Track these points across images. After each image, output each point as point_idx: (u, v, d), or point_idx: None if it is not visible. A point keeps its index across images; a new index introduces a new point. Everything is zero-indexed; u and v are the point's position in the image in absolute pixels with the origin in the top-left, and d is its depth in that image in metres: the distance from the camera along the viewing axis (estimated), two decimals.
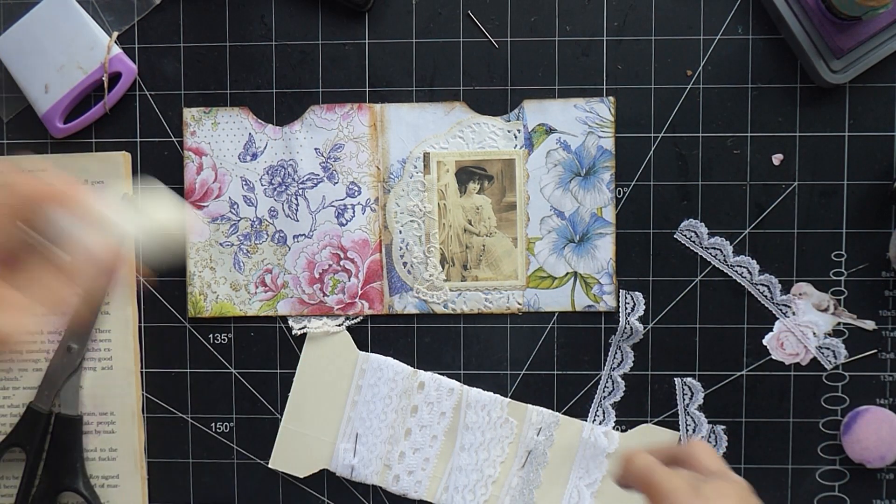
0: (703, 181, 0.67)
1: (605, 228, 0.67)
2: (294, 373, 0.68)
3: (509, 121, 0.67)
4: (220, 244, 0.68)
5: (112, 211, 0.46)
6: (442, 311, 0.68)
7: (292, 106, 0.68)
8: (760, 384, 0.67)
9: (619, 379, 0.67)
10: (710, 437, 0.67)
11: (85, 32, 0.67)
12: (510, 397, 0.68)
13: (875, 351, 0.67)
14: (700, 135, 0.66)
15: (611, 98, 0.67)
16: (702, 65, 0.66)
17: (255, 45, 0.68)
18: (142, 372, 0.69)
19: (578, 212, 0.67)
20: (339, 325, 0.68)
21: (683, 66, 0.66)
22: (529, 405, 0.68)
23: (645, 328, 0.67)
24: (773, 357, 0.67)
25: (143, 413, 0.69)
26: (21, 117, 0.69)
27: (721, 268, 0.67)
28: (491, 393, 0.68)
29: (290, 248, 0.68)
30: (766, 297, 0.67)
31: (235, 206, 0.68)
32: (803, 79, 0.66)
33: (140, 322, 0.69)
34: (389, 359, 0.68)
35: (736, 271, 0.67)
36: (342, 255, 0.68)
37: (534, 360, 0.68)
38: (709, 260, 0.67)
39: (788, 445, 0.67)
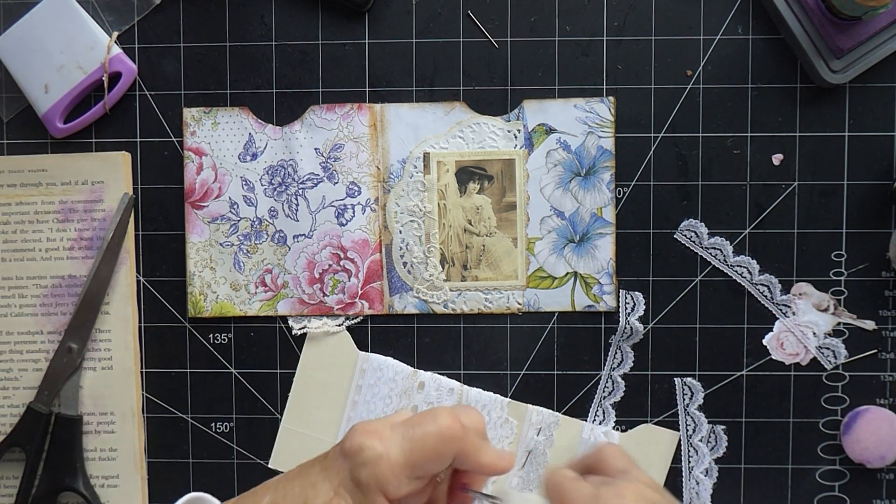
0: (703, 181, 0.67)
1: (605, 228, 0.67)
2: (294, 373, 0.68)
3: (509, 121, 0.67)
4: (220, 244, 0.68)
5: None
6: (442, 311, 0.68)
7: (292, 106, 0.68)
8: (760, 384, 0.67)
9: (619, 379, 0.67)
10: (710, 436, 0.67)
11: (85, 32, 0.67)
12: (510, 397, 0.68)
13: (875, 351, 0.67)
14: (700, 135, 0.66)
15: (611, 98, 0.67)
16: (702, 65, 0.66)
17: (255, 45, 0.68)
18: (142, 372, 0.69)
19: (578, 212, 0.67)
20: (339, 325, 0.68)
21: (683, 66, 0.66)
22: (529, 405, 0.68)
23: (645, 328, 0.67)
24: (773, 357, 0.67)
25: (143, 413, 0.69)
26: (21, 117, 0.69)
27: (721, 268, 0.67)
28: (491, 393, 0.68)
29: (290, 248, 0.68)
30: (766, 297, 0.67)
31: (235, 206, 0.68)
32: (803, 79, 0.66)
33: (140, 322, 0.69)
34: (389, 359, 0.68)
35: (736, 271, 0.67)
36: (342, 255, 0.68)
37: (534, 360, 0.68)
38: (709, 260, 0.67)
39: (788, 445, 0.67)
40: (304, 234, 0.68)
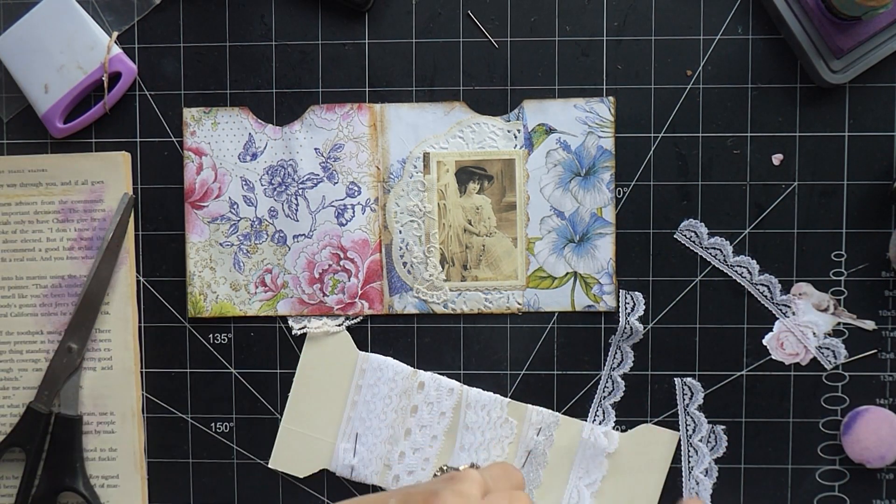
0: (703, 181, 0.67)
1: (605, 228, 0.67)
2: (294, 373, 0.68)
3: (509, 121, 0.67)
4: (220, 244, 0.68)
5: None
6: (442, 311, 0.68)
7: (292, 106, 0.68)
8: (760, 384, 0.67)
9: (619, 379, 0.67)
10: (710, 436, 0.67)
11: (85, 32, 0.67)
12: (510, 397, 0.68)
13: (875, 351, 0.67)
14: (700, 135, 0.67)
15: (611, 98, 0.67)
16: (702, 65, 0.66)
17: (255, 45, 0.68)
18: (142, 372, 0.69)
19: (578, 212, 0.67)
20: (339, 325, 0.68)
21: (683, 66, 0.66)
22: (529, 405, 0.68)
23: (645, 328, 0.67)
24: (773, 357, 0.67)
25: (142, 413, 0.69)
26: (21, 117, 0.69)
27: (721, 268, 0.67)
28: (491, 393, 0.68)
29: (290, 248, 0.68)
30: (766, 297, 0.67)
31: (235, 206, 0.68)
32: (803, 79, 0.66)
33: (140, 322, 0.69)
34: (389, 359, 0.68)
35: (736, 271, 0.67)
36: (342, 255, 0.68)
37: (534, 360, 0.68)
38: (709, 260, 0.67)
39: (788, 445, 0.67)
40: (304, 234, 0.68)
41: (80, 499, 0.68)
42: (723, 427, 0.67)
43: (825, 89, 0.66)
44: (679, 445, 0.67)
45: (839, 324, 0.66)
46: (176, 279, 0.69)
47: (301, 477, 0.68)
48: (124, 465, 0.69)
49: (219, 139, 0.68)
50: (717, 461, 0.67)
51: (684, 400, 0.67)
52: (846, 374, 0.67)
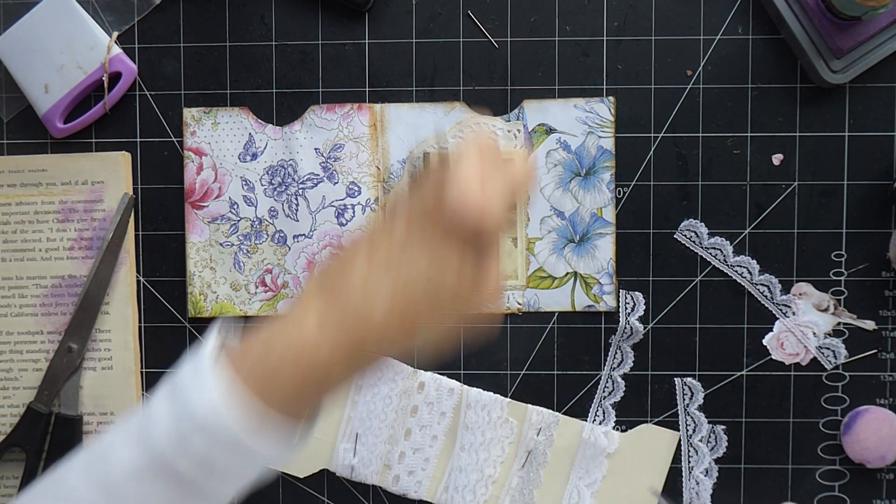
0: (703, 181, 0.67)
1: (605, 228, 0.67)
2: None
3: (509, 121, 0.67)
4: (220, 244, 0.68)
5: None
6: None
7: (292, 106, 0.68)
8: (760, 384, 0.67)
9: (619, 379, 0.67)
10: (710, 436, 0.67)
11: (85, 32, 0.67)
12: (510, 397, 0.68)
13: (875, 351, 0.67)
14: (700, 135, 0.66)
15: (611, 98, 0.67)
16: (702, 65, 0.66)
17: (255, 45, 0.68)
18: (142, 372, 0.69)
19: (578, 212, 0.67)
20: None
21: (683, 66, 0.66)
22: (529, 405, 0.68)
23: (645, 328, 0.67)
24: (773, 357, 0.67)
25: None
26: (21, 117, 0.69)
27: (721, 268, 0.67)
28: (491, 393, 0.68)
29: (290, 248, 0.68)
30: (766, 297, 0.67)
31: (235, 206, 0.68)
32: (803, 79, 0.66)
33: (140, 322, 0.69)
34: (389, 359, 0.68)
35: (736, 271, 0.67)
36: None
37: (534, 360, 0.68)
38: (709, 260, 0.67)
39: (788, 445, 0.67)
40: (304, 234, 0.68)
41: None
42: (723, 427, 0.67)
43: (825, 89, 0.66)
44: (679, 445, 0.67)
45: (839, 324, 0.66)
46: (176, 279, 0.69)
47: (301, 477, 0.68)
48: None
49: (219, 139, 0.68)
50: (717, 461, 0.67)
51: (684, 400, 0.67)
52: (846, 374, 0.67)
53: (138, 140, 0.69)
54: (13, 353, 0.69)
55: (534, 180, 0.46)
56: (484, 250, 0.42)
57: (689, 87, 0.66)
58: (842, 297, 0.67)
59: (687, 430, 0.67)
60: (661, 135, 0.67)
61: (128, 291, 0.68)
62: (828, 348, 0.67)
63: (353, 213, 0.68)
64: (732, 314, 0.67)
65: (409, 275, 0.41)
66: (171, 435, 0.39)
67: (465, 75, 0.67)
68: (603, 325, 0.67)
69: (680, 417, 0.67)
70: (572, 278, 0.67)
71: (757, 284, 0.67)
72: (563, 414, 0.68)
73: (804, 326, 0.66)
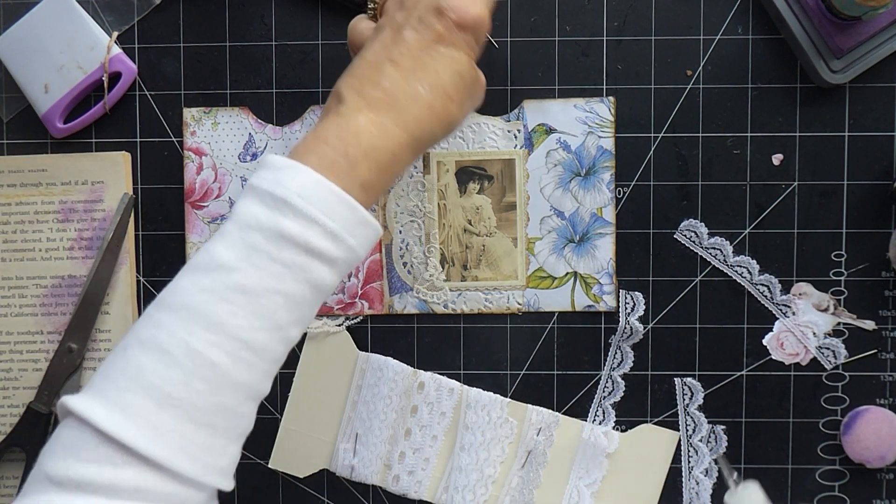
0: (703, 181, 0.67)
1: (605, 228, 0.67)
2: (294, 373, 0.68)
3: (509, 121, 0.67)
4: None
5: None
6: (442, 311, 0.68)
7: (292, 106, 0.68)
8: (760, 384, 0.67)
9: (619, 379, 0.67)
10: (710, 436, 0.67)
11: (85, 32, 0.67)
12: (510, 397, 0.68)
13: (875, 351, 0.67)
14: (700, 135, 0.67)
15: (611, 98, 0.67)
16: (702, 65, 0.66)
17: (255, 45, 0.68)
18: None
19: (578, 212, 0.67)
20: (339, 325, 0.68)
21: (683, 66, 0.66)
22: (529, 405, 0.68)
23: (645, 328, 0.67)
24: (773, 357, 0.67)
25: None
26: (21, 117, 0.69)
27: (721, 268, 0.67)
28: (491, 393, 0.68)
29: None
30: (766, 297, 0.67)
31: None
32: (803, 79, 0.66)
33: None
34: (389, 359, 0.68)
35: (736, 271, 0.67)
36: None
37: (534, 360, 0.68)
38: (709, 260, 0.67)
39: (788, 445, 0.67)
40: None
41: None
42: (723, 427, 0.67)
43: (825, 89, 0.66)
44: (679, 445, 0.67)
45: (839, 324, 0.66)
46: None
47: (301, 477, 0.68)
48: None
49: (219, 139, 0.68)
50: (717, 461, 0.67)
51: (684, 400, 0.67)
52: (846, 374, 0.67)
53: (138, 140, 0.69)
54: (13, 353, 0.69)
55: None
56: (480, 40, 0.53)
57: (689, 87, 0.66)
58: (842, 297, 0.67)
59: (687, 430, 0.67)
60: (661, 135, 0.67)
61: (128, 291, 0.68)
62: (828, 348, 0.67)
63: None
64: (732, 314, 0.67)
65: (436, 72, 0.50)
66: (271, 222, 0.44)
67: None
68: (603, 325, 0.67)
69: (680, 417, 0.67)
70: (572, 278, 0.67)
71: (757, 284, 0.67)
72: (563, 414, 0.68)
73: (804, 326, 0.66)
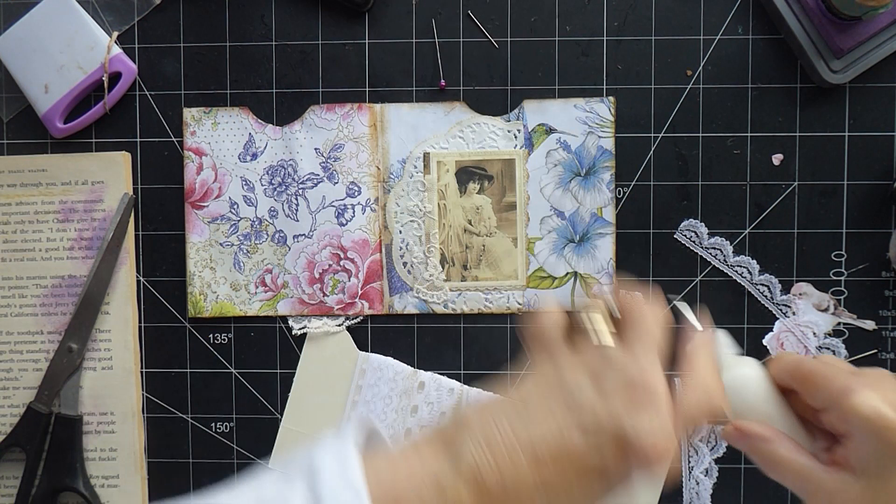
0: (703, 181, 0.67)
1: (605, 228, 0.67)
2: (294, 373, 0.68)
3: (509, 121, 0.67)
4: (220, 244, 0.68)
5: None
6: (442, 311, 0.68)
7: (292, 106, 0.68)
8: None
9: None
10: (710, 437, 0.67)
11: (85, 32, 0.67)
12: None
13: (875, 351, 0.66)
14: (700, 135, 0.66)
15: (611, 98, 0.67)
16: (702, 65, 0.66)
17: (255, 45, 0.68)
18: (142, 372, 0.69)
19: (578, 212, 0.67)
20: (339, 325, 0.68)
21: (683, 66, 0.66)
22: None
23: None
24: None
25: (142, 413, 0.69)
26: (21, 117, 0.69)
27: (721, 268, 0.67)
28: (491, 393, 0.68)
29: (290, 248, 0.68)
30: (766, 297, 0.67)
31: (235, 206, 0.68)
32: (803, 79, 0.66)
33: (140, 322, 0.69)
34: (389, 359, 0.68)
35: (736, 271, 0.67)
36: (342, 255, 0.68)
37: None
38: (709, 260, 0.67)
39: None
40: (304, 234, 0.68)
41: (80, 499, 0.68)
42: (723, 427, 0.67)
43: (825, 89, 0.66)
44: (679, 445, 0.67)
45: (839, 324, 0.66)
46: (176, 279, 0.69)
47: None
48: (124, 465, 0.69)
49: (219, 139, 0.68)
50: (717, 461, 0.67)
51: None
52: None
53: (138, 140, 0.69)
54: (13, 353, 0.69)
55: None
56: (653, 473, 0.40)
57: (689, 87, 0.66)
58: (842, 297, 0.67)
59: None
60: (661, 135, 0.67)
61: (128, 291, 0.68)
62: (828, 348, 0.66)
63: (353, 213, 0.68)
64: (732, 314, 0.67)
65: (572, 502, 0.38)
66: None
67: (465, 75, 0.67)
68: None
69: None
70: (572, 278, 0.67)
71: (757, 284, 0.67)
72: None
73: (804, 326, 0.66)
